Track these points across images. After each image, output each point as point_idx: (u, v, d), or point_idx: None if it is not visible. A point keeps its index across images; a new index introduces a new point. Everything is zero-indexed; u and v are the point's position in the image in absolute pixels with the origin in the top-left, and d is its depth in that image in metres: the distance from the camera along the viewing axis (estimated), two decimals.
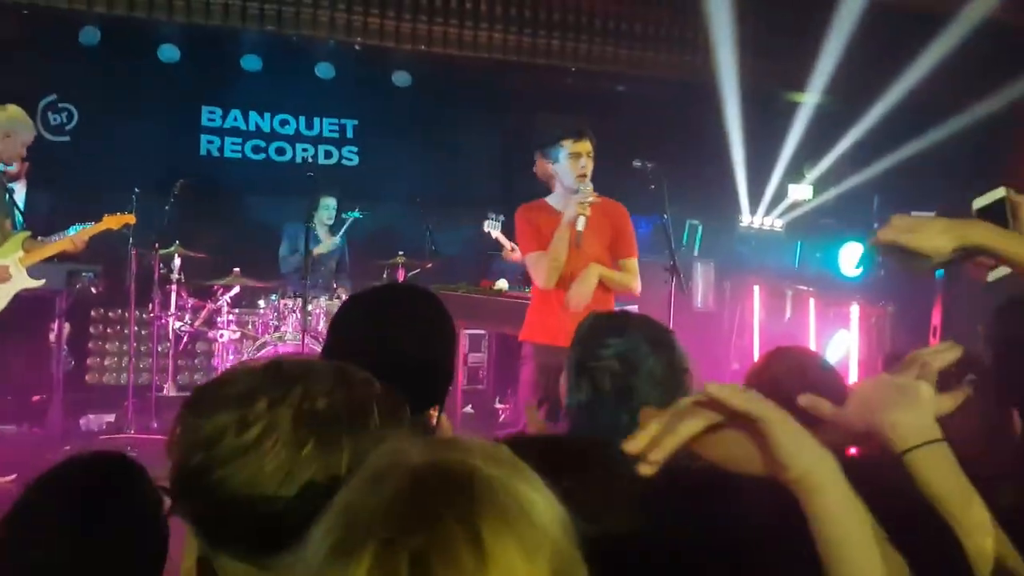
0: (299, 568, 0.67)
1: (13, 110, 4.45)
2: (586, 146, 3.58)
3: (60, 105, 6.58)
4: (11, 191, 4.55)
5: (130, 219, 4.96)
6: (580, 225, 3.44)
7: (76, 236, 4.60)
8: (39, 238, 4.63)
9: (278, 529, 0.90)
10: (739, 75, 6.18)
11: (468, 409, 6.01)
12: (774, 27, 6.58)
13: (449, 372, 1.78)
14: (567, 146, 3.56)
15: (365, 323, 1.69)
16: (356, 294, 1.84)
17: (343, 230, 6.31)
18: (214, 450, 0.95)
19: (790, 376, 1.83)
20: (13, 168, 4.66)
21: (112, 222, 4.82)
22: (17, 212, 4.59)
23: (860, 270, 5.12)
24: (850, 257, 5.30)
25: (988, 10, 5.30)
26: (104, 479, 1.42)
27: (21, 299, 4.51)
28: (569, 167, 3.57)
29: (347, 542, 0.63)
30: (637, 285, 3.76)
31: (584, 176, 3.55)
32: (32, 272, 4.50)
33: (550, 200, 3.76)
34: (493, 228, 5.51)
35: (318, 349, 5.38)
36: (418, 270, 6.04)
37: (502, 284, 5.12)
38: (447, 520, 0.63)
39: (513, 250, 5.49)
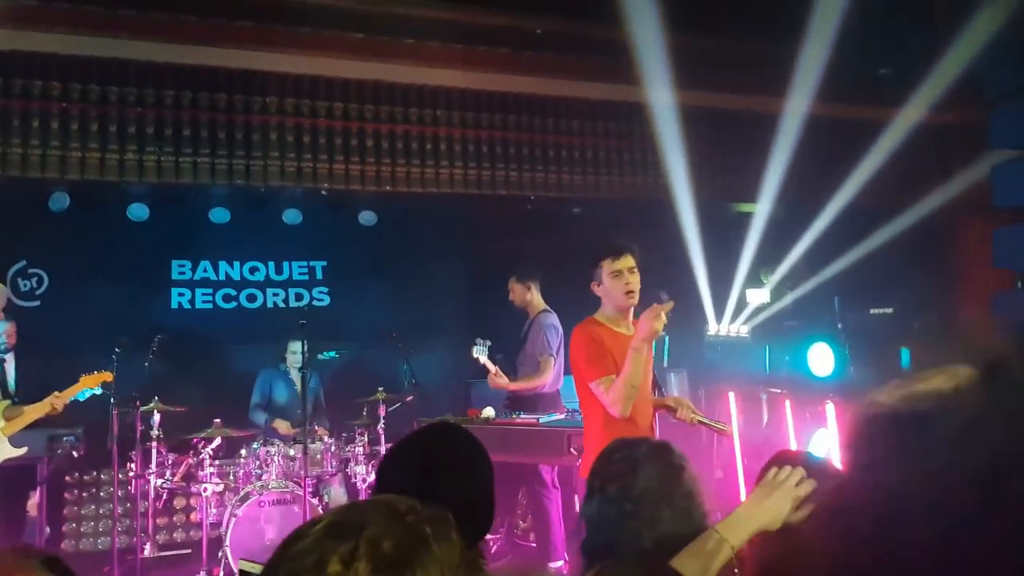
0: None
1: None
2: (627, 262, 3.48)
3: (30, 271, 6.63)
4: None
5: (108, 377, 4.95)
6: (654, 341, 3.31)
7: (55, 399, 4.58)
8: (19, 406, 4.59)
9: None
10: (691, 191, 6.53)
11: None
12: (719, 144, 7.02)
13: (490, 504, 1.87)
14: (606, 266, 3.48)
15: (408, 471, 1.80)
16: (397, 443, 1.94)
17: (313, 372, 6.37)
18: None
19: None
20: (8, 340, 4.65)
21: (90, 381, 4.82)
22: (9, 383, 4.57)
23: (829, 369, 5.30)
24: (818, 357, 5.48)
25: (919, 115, 5.76)
26: None
27: (2, 469, 4.43)
28: (612, 286, 3.47)
29: None
30: None
31: (631, 292, 3.45)
32: (14, 441, 4.44)
33: (600, 318, 3.59)
34: (481, 353, 5.56)
35: (300, 493, 5.36)
36: (399, 404, 6.06)
37: (489, 412, 5.16)
38: None
39: (497, 375, 5.56)
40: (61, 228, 6.50)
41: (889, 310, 5.48)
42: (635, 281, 3.49)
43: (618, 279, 3.47)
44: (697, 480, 1.92)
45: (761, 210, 6.70)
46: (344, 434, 6.05)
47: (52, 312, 6.54)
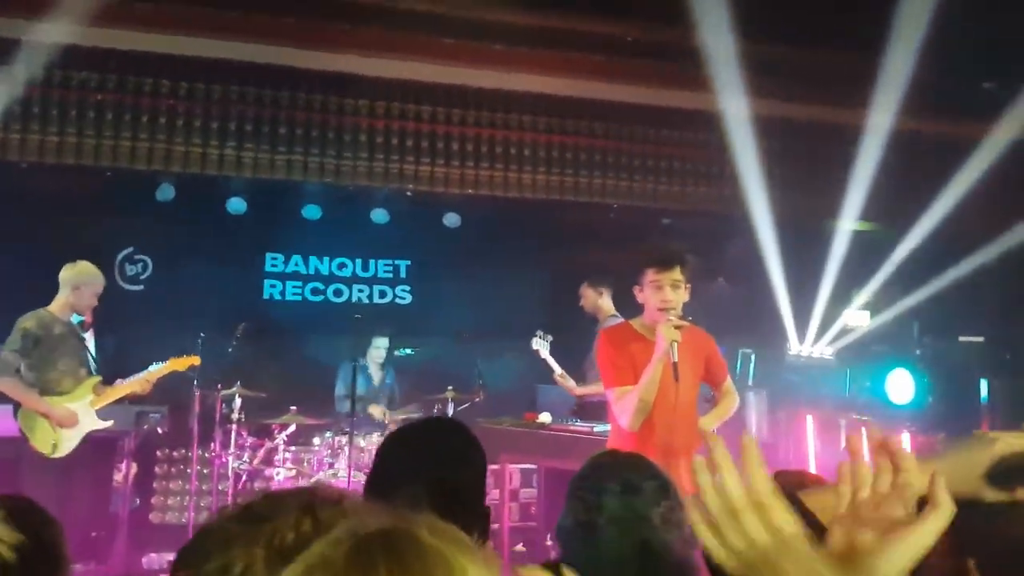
0: None
1: (83, 266, 4.86)
2: (673, 275, 3.29)
3: (136, 257, 7.09)
4: (83, 339, 4.88)
5: (195, 360, 5.23)
6: (675, 355, 3.14)
7: (144, 378, 4.87)
8: (115, 382, 4.92)
9: None
10: (772, 206, 6.34)
11: (519, 547, 5.93)
12: (805, 158, 6.78)
13: (478, 502, 1.92)
14: (649, 274, 3.32)
15: (399, 457, 1.90)
16: (393, 431, 2.07)
17: (389, 367, 6.58)
18: None
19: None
20: (85, 318, 5.01)
21: (178, 364, 5.10)
22: (91, 359, 4.91)
23: (908, 397, 5.03)
24: (897, 384, 5.21)
25: (1015, 134, 5.40)
26: None
27: (91, 439, 4.75)
28: (650, 297, 3.32)
29: None
30: (737, 400, 3.71)
31: (664, 309, 3.26)
32: (101, 414, 4.76)
33: (636, 324, 3.50)
34: (542, 347, 5.61)
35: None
36: (467, 404, 6.14)
37: (545, 417, 5.17)
38: (380, 569, 0.76)
39: (564, 377, 5.56)
40: (166, 218, 6.89)
41: (980, 339, 5.14)
42: (676, 298, 3.30)
43: (657, 292, 3.31)
44: (670, 527, 1.79)
45: (846, 228, 6.42)
46: None
47: (154, 296, 6.97)
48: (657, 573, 1.74)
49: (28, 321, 4.58)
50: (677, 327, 3.19)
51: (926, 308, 5.91)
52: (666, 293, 3.30)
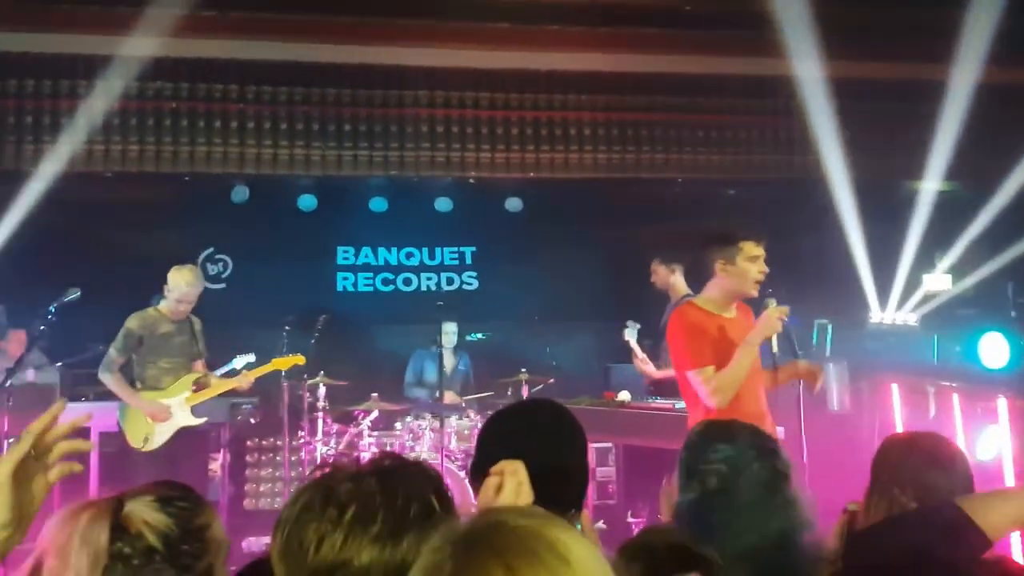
0: None
1: (174, 273, 4.93)
2: (763, 248, 3.45)
3: (217, 256, 7.38)
4: (195, 337, 5.06)
5: (300, 360, 5.41)
6: (775, 344, 3.30)
7: (245, 376, 5.05)
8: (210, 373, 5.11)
9: None
10: (849, 169, 6.16)
11: (600, 525, 5.96)
12: (878, 119, 6.56)
13: (580, 476, 1.92)
14: (747, 248, 3.41)
15: (500, 439, 1.91)
16: (495, 413, 2.07)
17: (463, 353, 6.67)
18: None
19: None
20: None
21: (282, 363, 5.29)
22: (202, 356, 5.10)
23: (1003, 361, 4.85)
24: (991, 348, 5.02)
25: None
26: None
27: (187, 431, 4.94)
28: (747, 269, 3.40)
29: None
30: None
31: (761, 281, 3.43)
32: (197, 410, 4.96)
33: (701, 302, 3.55)
34: (631, 336, 5.57)
35: (451, 467, 5.63)
36: (540, 386, 6.19)
37: (624, 396, 5.17)
38: (488, 559, 0.84)
39: (644, 362, 5.50)
40: (242, 218, 7.16)
41: None
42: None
43: (755, 263, 3.41)
44: (798, 488, 1.84)
45: (929, 188, 6.19)
46: (489, 412, 6.25)
47: (235, 293, 7.24)
48: (789, 513, 1.78)
49: (132, 321, 4.84)
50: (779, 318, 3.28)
51: (1017, 269, 5.67)
52: (762, 264, 3.42)
